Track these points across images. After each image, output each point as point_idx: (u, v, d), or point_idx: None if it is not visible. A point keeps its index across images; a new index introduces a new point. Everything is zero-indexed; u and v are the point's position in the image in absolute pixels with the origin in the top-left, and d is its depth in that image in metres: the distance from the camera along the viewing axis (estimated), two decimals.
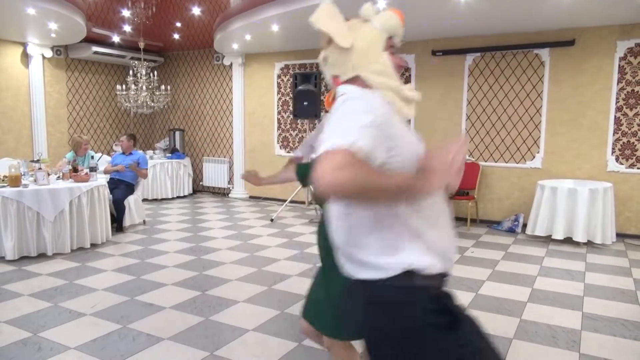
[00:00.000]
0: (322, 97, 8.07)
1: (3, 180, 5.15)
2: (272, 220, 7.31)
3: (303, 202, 8.46)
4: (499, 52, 6.91)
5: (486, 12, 5.66)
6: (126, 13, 8.20)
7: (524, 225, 6.58)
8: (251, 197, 9.42)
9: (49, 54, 8.41)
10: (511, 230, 6.70)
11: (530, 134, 6.84)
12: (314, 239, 6.33)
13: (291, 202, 8.06)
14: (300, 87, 7.38)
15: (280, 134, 8.90)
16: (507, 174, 7.06)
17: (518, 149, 6.95)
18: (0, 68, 7.85)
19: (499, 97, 7.00)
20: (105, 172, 6.78)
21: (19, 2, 5.67)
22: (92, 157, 6.57)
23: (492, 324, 3.57)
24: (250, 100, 9.10)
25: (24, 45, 8.11)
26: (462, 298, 4.11)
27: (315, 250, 5.94)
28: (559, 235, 5.85)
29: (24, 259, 5.07)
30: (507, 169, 7.06)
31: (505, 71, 6.92)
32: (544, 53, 6.63)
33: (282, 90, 8.83)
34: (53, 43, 8.33)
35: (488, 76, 7.04)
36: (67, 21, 6.64)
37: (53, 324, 3.49)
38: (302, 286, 4.38)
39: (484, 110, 7.12)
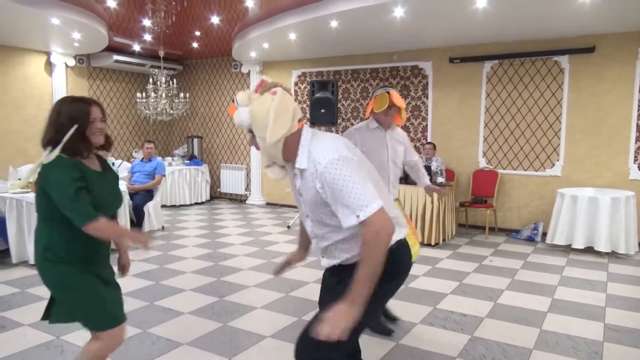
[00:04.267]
0: (339, 105, 8.11)
1: (28, 186, 5.27)
2: (289, 227, 7.34)
3: None
4: (518, 59, 6.87)
5: (504, 18, 5.64)
6: (147, 22, 8.34)
7: (544, 234, 6.50)
8: (268, 204, 9.46)
9: (71, 62, 8.61)
10: (530, 239, 6.62)
11: (549, 141, 6.76)
12: None
13: None
14: (317, 95, 7.40)
15: None
16: (526, 182, 6.98)
17: (537, 156, 6.87)
18: (24, 77, 8.05)
19: (517, 105, 6.95)
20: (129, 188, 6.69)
21: (44, 13, 5.82)
22: (113, 163, 6.68)
23: (511, 334, 3.53)
24: None
25: (48, 54, 8.32)
26: (481, 307, 4.08)
27: None
28: (579, 244, 5.76)
29: None
30: (526, 177, 6.98)
31: (524, 78, 6.87)
32: (564, 60, 6.57)
33: (299, 97, 8.88)
34: (76, 52, 8.52)
35: (506, 83, 7.00)
36: (89, 31, 6.79)
37: (75, 328, 3.52)
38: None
39: (502, 117, 7.07)
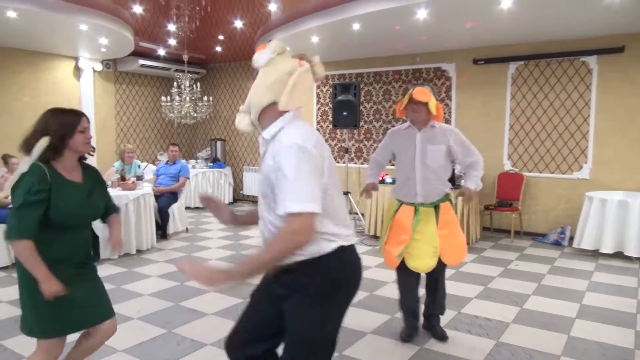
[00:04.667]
0: (361, 107, 8.09)
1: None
2: None
3: None
4: (544, 59, 6.75)
5: (529, 18, 5.56)
6: (171, 27, 8.48)
7: (571, 239, 6.36)
8: None
9: (99, 67, 8.80)
10: (557, 243, 6.48)
11: (577, 143, 6.62)
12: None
13: None
14: (339, 97, 7.42)
15: None
16: (553, 185, 6.85)
17: (564, 159, 6.74)
18: (54, 82, 8.27)
19: (543, 106, 6.83)
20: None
21: (72, 19, 5.97)
22: (139, 166, 6.79)
23: (538, 340, 3.46)
24: None
25: (76, 59, 8.52)
26: (507, 312, 4.01)
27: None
28: (607, 249, 5.62)
29: None
30: (553, 180, 6.85)
31: (550, 79, 6.74)
32: (592, 60, 6.42)
33: (321, 100, 8.90)
34: (103, 57, 8.71)
35: (532, 85, 6.88)
36: (116, 36, 6.94)
37: None
38: None
39: (528, 119, 6.95)
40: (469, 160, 3.34)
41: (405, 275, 3.37)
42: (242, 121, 1.89)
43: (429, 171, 3.24)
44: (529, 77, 6.90)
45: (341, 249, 1.74)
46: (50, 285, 2.13)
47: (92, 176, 2.39)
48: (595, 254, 5.85)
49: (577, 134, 6.61)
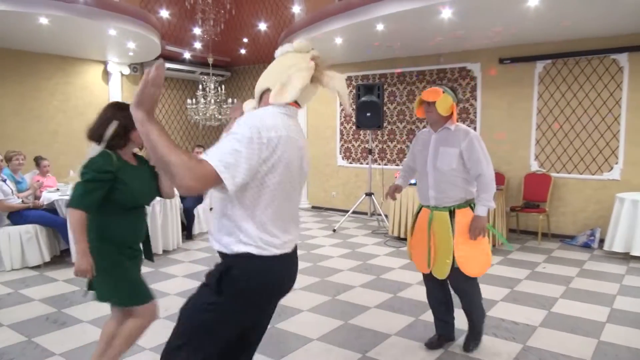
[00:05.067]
0: (384, 108, 8.06)
1: None
2: (334, 230, 7.35)
3: (365, 213, 8.44)
4: (572, 58, 6.61)
5: (557, 15, 5.45)
6: (197, 31, 8.61)
7: (601, 241, 6.20)
8: (313, 208, 9.52)
9: (126, 71, 9.00)
10: (586, 246, 6.33)
11: (607, 143, 6.45)
12: (376, 250, 6.30)
13: (353, 212, 8.06)
14: (363, 99, 7.41)
15: (342, 145, 8.96)
16: (582, 186, 6.69)
17: (594, 159, 6.57)
18: (83, 86, 8.48)
19: (572, 106, 6.68)
20: None
21: (101, 24, 6.12)
22: None
23: (566, 344, 3.39)
24: (313, 111, 9.24)
25: (105, 63, 8.73)
26: (534, 315, 3.94)
27: (378, 261, 5.89)
28: (639, 252, 5.46)
29: None
30: (582, 181, 6.69)
31: (579, 78, 6.59)
32: (622, 58, 6.26)
33: None
34: (130, 61, 8.90)
35: (560, 84, 6.74)
36: (144, 40, 7.09)
37: None
38: (366, 297, 4.37)
39: (556, 119, 6.81)
40: (473, 173, 3.07)
41: (427, 279, 3.35)
42: (249, 104, 1.98)
43: (439, 174, 3.11)
44: (557, 76, 6.76)
45: (250, 256, 1.68)
46: (84, 262, 2.30)
47: (144, 163, 2.63)
48: (626, 257, 5.70)
49: (607, 134, 6.45)
